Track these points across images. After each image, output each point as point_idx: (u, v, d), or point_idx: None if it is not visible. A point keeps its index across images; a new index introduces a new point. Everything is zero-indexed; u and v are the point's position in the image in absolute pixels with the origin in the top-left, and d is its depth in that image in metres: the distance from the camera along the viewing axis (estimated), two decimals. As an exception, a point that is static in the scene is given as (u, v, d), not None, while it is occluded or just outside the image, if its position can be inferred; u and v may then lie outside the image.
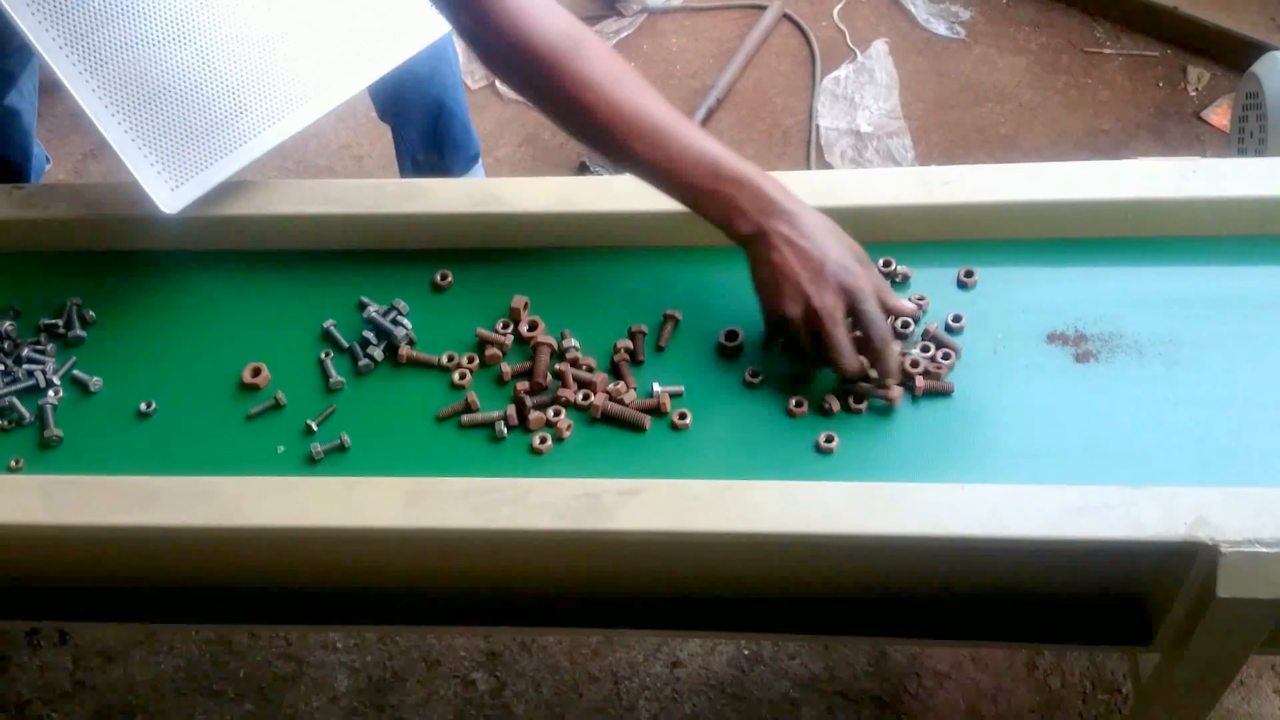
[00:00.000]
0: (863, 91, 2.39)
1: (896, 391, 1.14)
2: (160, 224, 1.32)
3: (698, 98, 2.44)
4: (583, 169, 2.34)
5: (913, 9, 2.56)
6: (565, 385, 1.19)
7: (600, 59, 1.14)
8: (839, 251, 1.12)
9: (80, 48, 1.25)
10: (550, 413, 1.17)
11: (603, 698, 1.68)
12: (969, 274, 1.23)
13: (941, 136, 2.33)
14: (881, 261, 1.23)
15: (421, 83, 1.94)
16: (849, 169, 2.27)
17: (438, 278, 1.30)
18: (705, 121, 2.38)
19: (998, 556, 1.11)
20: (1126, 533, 1.00)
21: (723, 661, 1.68)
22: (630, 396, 1.18)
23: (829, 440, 1.12)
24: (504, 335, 1.24)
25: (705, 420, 1.16)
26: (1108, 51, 2.46)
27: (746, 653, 1.68)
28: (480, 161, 2.13)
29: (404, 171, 2.09)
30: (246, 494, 1.11)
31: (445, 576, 1.25)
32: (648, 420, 1.16)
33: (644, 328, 1.23)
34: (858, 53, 2.48)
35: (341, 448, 1.18)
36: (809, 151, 2.33)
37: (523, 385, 1.19)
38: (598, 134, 1.15)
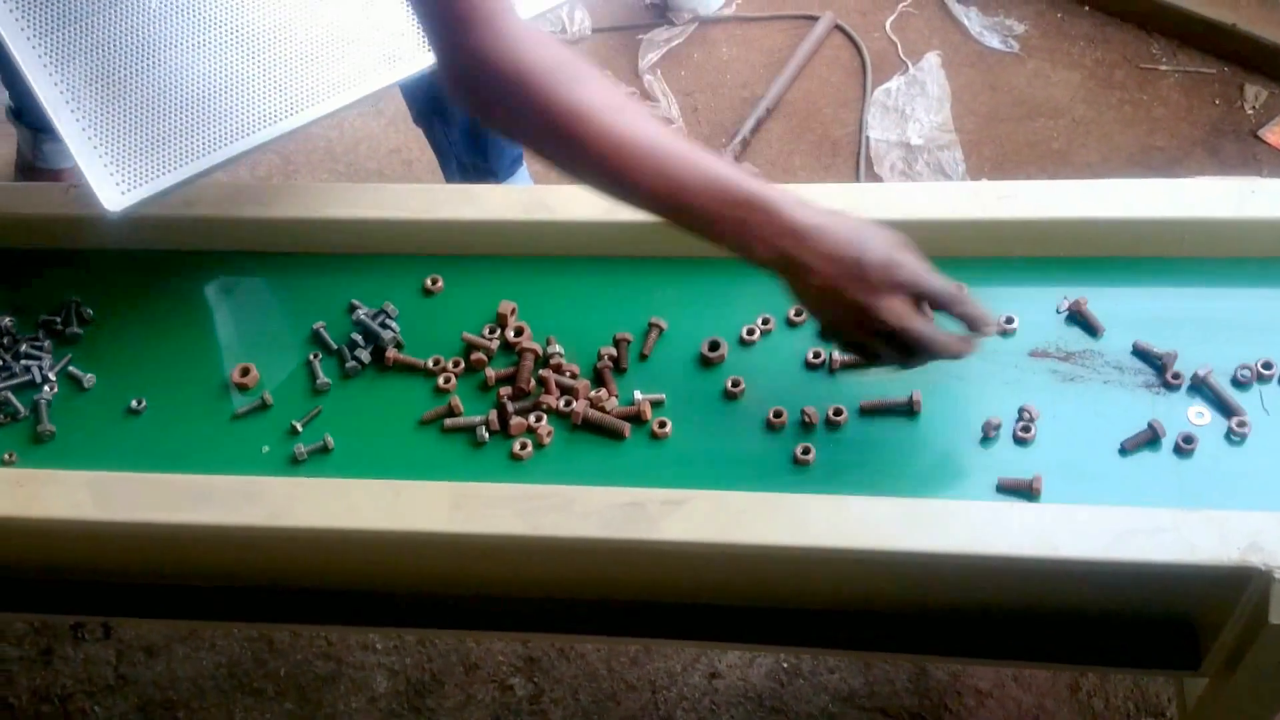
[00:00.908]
0: (914, 104, 2.38)
1: (991, 328, 1.10)
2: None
3: (748, 108, 2.43)
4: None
5: (966, 21, 2.54)
6: (548, 391, 1.20)
7: (598, 87, 1.06)
8: (876, 248, 1.04)
9: (49, 41, 1.26)
10: (532, 418, 1.18)
11: (640, 707, 1.67)
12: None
13: (993, 151, 2.32)
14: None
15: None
16: (899, 181, 2.26)
17: (428, 282, 1.32)
18: (755, 132, 2.37)
19: (1044, 576, 1.09)
20: (1178, 556, 0.99)
21: (761, 674, 1.67)
22: (612, 404, 1.18)
23: (805, 452, 1.12)
24: (490, 340, 1.25)
25: (685, 429, 1.17)
26: (1163, 68, 2.43)
27: (785, 665, 1.67)
28: (524, 166, 2.14)
29: (450, 177, 2.10)
30: (295, 495, 1.12)
31: (486, 582, 1.25)
32: (628, 428, 1.16)
33: (629, 335, 1.23)
34: (909, 65, 2.47)
35: (325, 449, 1.19)
36: (858, 163, 2.32)
37: (506, 390, 1.20)
38: (598, 166, 1.06)
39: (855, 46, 2.53)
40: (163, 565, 1.29)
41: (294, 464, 1.18)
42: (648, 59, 2.57)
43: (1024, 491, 1.08)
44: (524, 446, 1.16)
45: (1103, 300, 1.21)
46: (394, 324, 1.28)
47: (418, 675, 1.74)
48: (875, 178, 2.29)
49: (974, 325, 1.09)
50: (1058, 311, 1.21)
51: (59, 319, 1.33)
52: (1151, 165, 2.25)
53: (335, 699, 1.73)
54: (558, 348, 1.23)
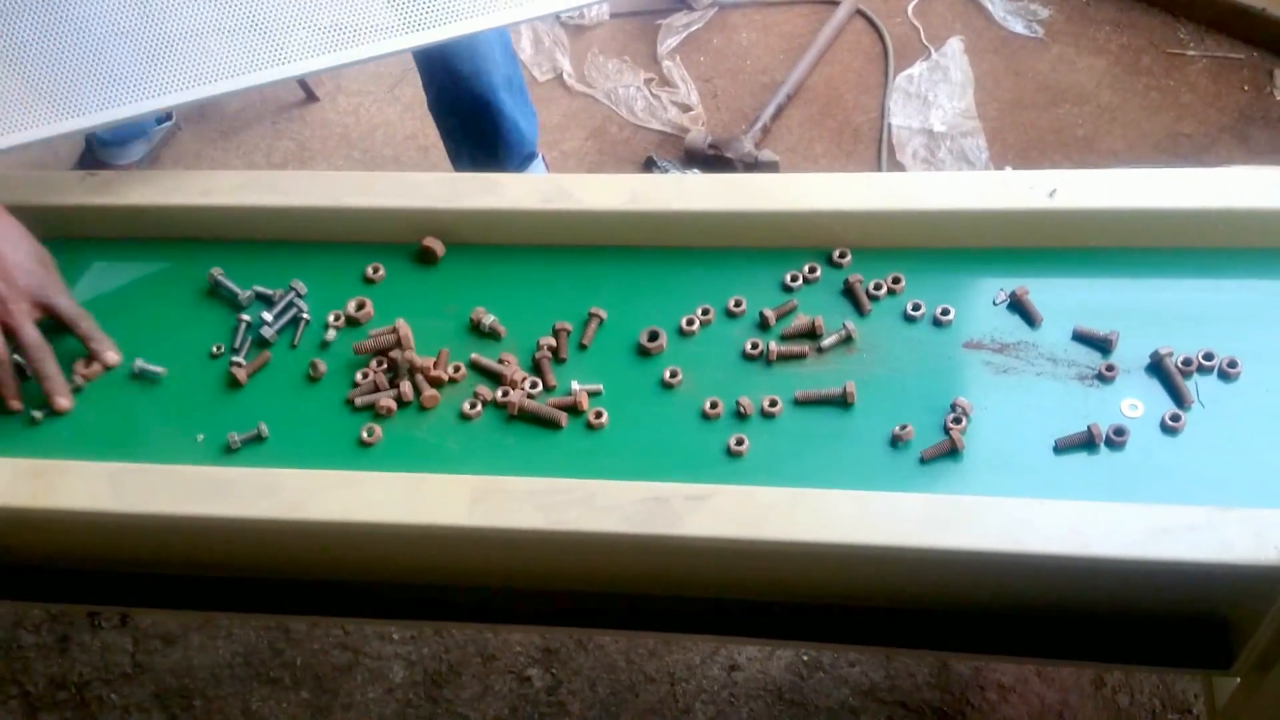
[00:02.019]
0: (936, 90, 2.35)
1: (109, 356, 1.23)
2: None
3: (768, 93, 2.41)
4: (649, 165, 2.33)
5: (989, 6, 2.51)
6: (486, 376, 1.20)
7: None
8: (19, 257, 1.19)
9: None
10: (466, 405, 1.17)
11: (659, 699, 1.66)
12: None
13: (1017, 138, 2.29)
14: (891, 278, 1.21)
15: (464, 81, 1.93)
16: (921, 169, 2.23)
17: (370, 270, 1.30)
18: (775, 118, 2.35)
19: (1075, 574, 1.08)
20: (1214, 555, 0.96)
21: (781, 667, 1.66)
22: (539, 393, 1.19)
23: (739, 443, 1.11)
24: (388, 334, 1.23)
25: (621, 420, 1.16)
26: (1191, 53, 2.39)
27: (806, 659, 1.66)
28: (539, 159, 2.12)
29: (459, 168, 2.09)
30: (312, 488, 1.10)
31: (504, 574, 1.24)
32: (564, 418, 1.15)
33: (568, 325, 1.22)
34: (932, 50, 2.44)
35: (259, 437, 1.18)
36: (880, 150, 2.30)
37: (434, 373, 1.20)
38: None
39: (877, 32, 2.51)
40: (179, 556, 1.28)
41: (228, 453, 1.17)
42: (667, 44, 2.55)
43: (949, 453, 1.08)
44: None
45: (1044, 291, 1.19)
46: (301, 302, 1.27)
47: (435, 666, 1.73)
48: (897, 165, 2.26)
49: (88, 345, 1.23)
50: (994, 304, 1.19)
51: None
52: (1179, 152, 2.22)
53: (352, 689, 1.72)
54: (491, 318, 1.23)
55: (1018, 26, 2.47)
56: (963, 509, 1.01)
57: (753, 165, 2.24)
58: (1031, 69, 2.41)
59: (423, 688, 1.71)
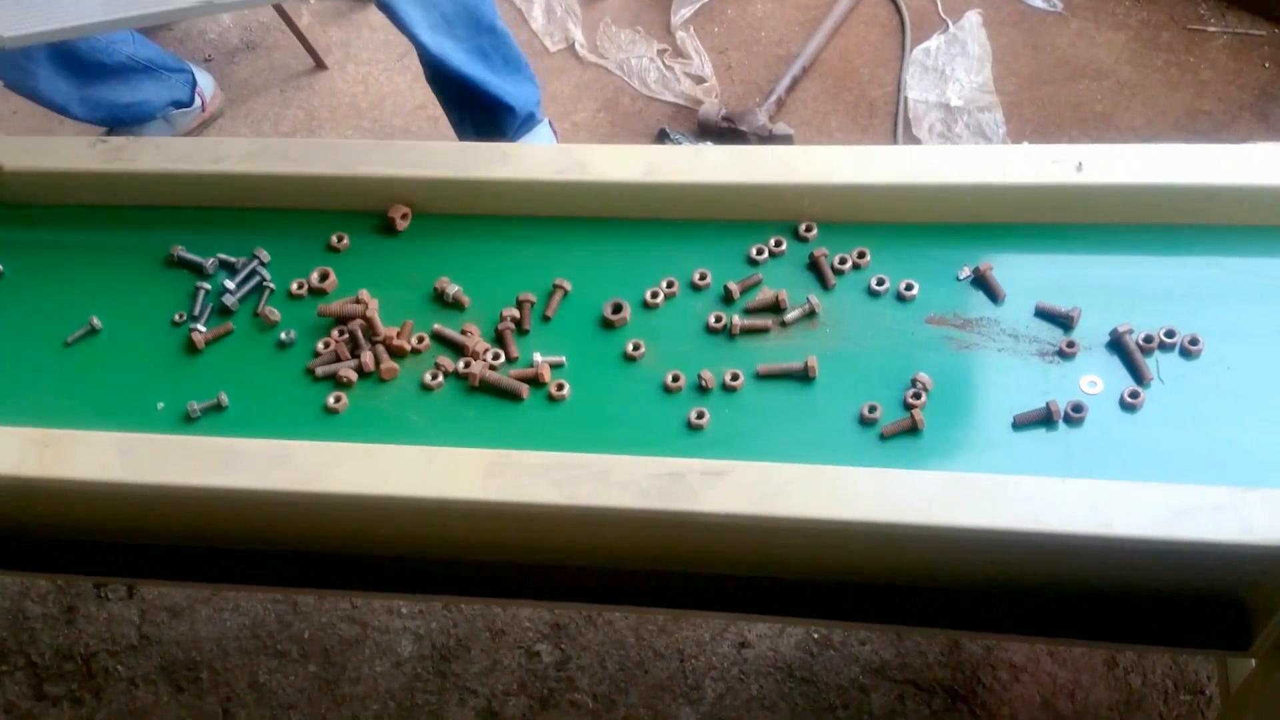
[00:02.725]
0: (954, 64, 2.32)
1: None
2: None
3: (782, 66, 2.38)
4: (662, 136, 2.30)
5: (1007, -21, 2.48)
6: (449, 346, 1.20)
7: None
8: None
9: None
10: (428, 376, 1.17)
11: (668, 675, 1.65)
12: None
13: (1034, 113, 2.26)
14: (856, 252, 1.21)
15: (435, 56, 1.96)
16: (937, 144, 2.20)
17: (333, 239, 1.30)
18: (790, 91, 2.32)
19: (1094, 553, 1.06)
20: (1236, 535, 0.95)
21: (791, 644, 1.65)
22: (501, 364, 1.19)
23: (700, 416, 1.11)
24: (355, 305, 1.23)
25: (583, 392, 1.16)
26: (1212, 29, 2.36)
27: (816, 636, 1.65)
28: (542, 124, 2.15)
29: (462, 138, 2.12)
30: (325, 460, 1.09)
31: (514, 549, 1.23)
32: (526, 390, 1.15)
33: (532, 296, 1.22)
34: (950, 23, 2.41)
35: (219, 406, 1.18)
36: (896, 124, 2.27)
37: (396, 343, 1.20)
38: None
39: (894, 4, 2.47)
40: (186, 527, 1.27)
41: (188, 421, 1.17)
42: (680, 15, 2.52)
43: (908, 430, 1.08)
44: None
45: (1008, 268, 1.19)
46: (264, 270, 1.27)
47: (443, 640, 1.72)
48: (913, 139, 2.24)
49: None
50: (958, 279, 1.19)
51: None
52: (1198, 130, 2.19)
53: (360, 662, 1.72)
54: (455, 288, 1.23)
55: (1037, 0, 2.44)
56: (981, 487, 0.99)
57: (767, 138, 2.22)
58: (1050, 43, 2.38)
59: (431, 662, 1.71)
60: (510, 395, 1.16)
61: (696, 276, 1.21)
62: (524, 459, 1.07)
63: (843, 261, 1.20)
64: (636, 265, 1.23)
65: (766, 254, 1.22)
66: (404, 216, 1.30)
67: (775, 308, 1.18)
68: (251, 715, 1.69)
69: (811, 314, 1.17)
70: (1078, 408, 1.06)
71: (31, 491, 1.17)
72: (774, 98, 2.30)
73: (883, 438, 1.08)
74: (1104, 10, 2.41)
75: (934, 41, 2.38)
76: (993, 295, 1.16)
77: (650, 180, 1.25)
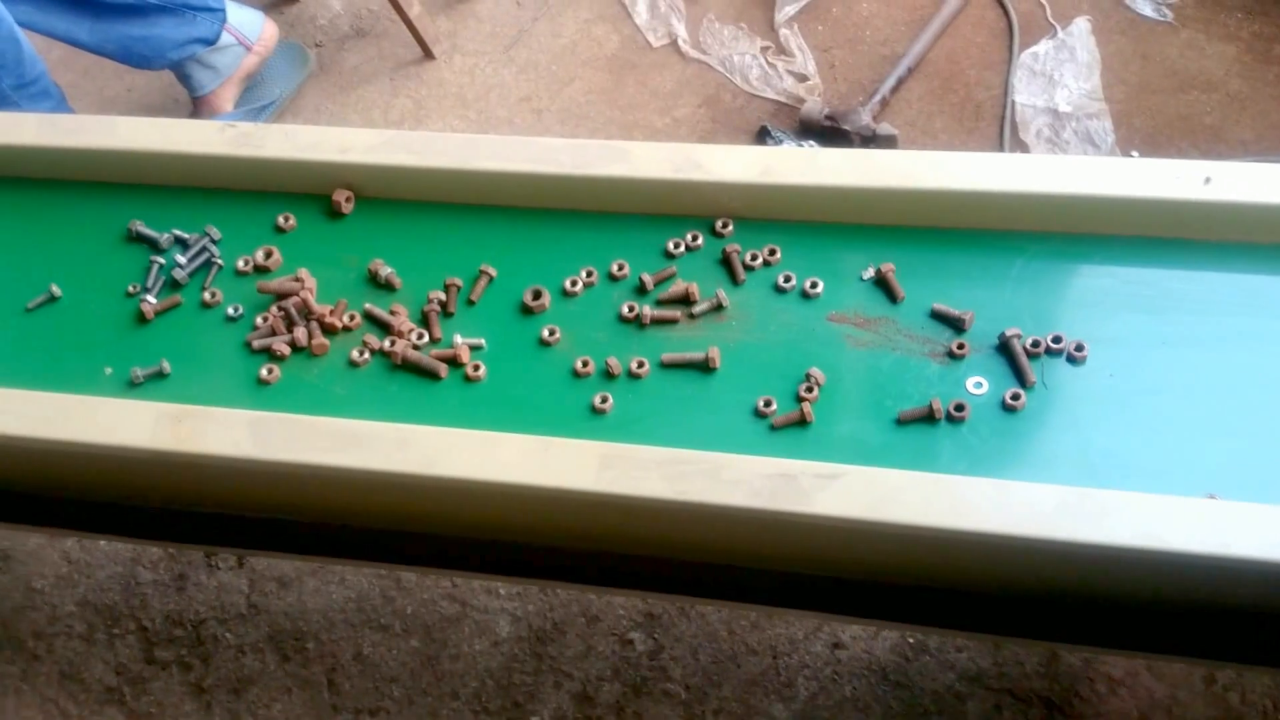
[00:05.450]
0: (1062, 69, 2.30)
1: None
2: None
3: (887, 66, 2.38)
4: (763, 134, 2.31)
5: (1119, -15, 2.44)
6: (377, 325, 1.26)
7: None
8: None
9: None
10: (355, 353, 1.24)
11: (760, 671, 1.67)
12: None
13: (1144, 122, 2.23)
14: (767, 250, 1.25)
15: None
16: (1045, 149, 2.19)
17: (280, 219, 1.36)
18: (894, 91, 2.32)
19: (1204, 570, 1.06)
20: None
21: (886, 647, 1.66)
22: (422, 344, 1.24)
23: (604, 400, 1.16)
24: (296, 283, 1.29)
25: (498, 374, 1.21)
26: (1330, 41, 2.31)
27: (911, 641, 1.66)
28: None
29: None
30: (445, 445, 1.12)
31: (613, 539, 1.26)
32: (444, 369, 1.21)
33: (459, 281, 1.27)
34: (1058, 29, 2.39)
35: (161, 374, 1.24)
36: (1002, 128, 2.26)
37: (329, 320, 1.26)
38: None
39: (1002, 7, 2.46)
40: (297, 503, 1.31)
41: (132, 386, 1.24)
42: (784, 12, 2.52)
43: (797, 422, 1.13)
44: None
45: (906, 270, 1.22)
46: (213, 247, 1.34)
47: (540, 623, 1.76)
48: (1020, 143, 2.22)
49: None
50: (860, 279, 1.22)
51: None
52: (1313, 145, 2.15)
53: (459, 640, 1.76)
54: (388, 269, 1.29)
55: (1146, 9, 2.40)
56: (1098, 502, 0.99)
57: (870, 138, 2.22)
58: (1159, 53, 2.34)
59: (528, 644, 1.74)
60: (429, 374, 1.22)
61: (615, 267, 1.27)
62: (638, 453, 1.09)
63: (754, 258, 1.25)
64: (559, 255, 1.29)
65: (684, 248, 1.27)
66: (348, 200, 1.36)
67: (685, 300, 1.23)
68: (355, 686, 1.74)
69: (719, 307, 1.22)
70: (960, 407, 1.10)
71: (158, 463, 1.22)
72: (878, 97, 2.30)
73: (773, 429, 1.13)
74: (1215, 21, 2.37)
75: (1042, 46, 2.36)
76: (892, 296, 1.21)
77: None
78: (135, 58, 2.35)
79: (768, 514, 1.05)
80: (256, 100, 2.53)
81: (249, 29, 2.46)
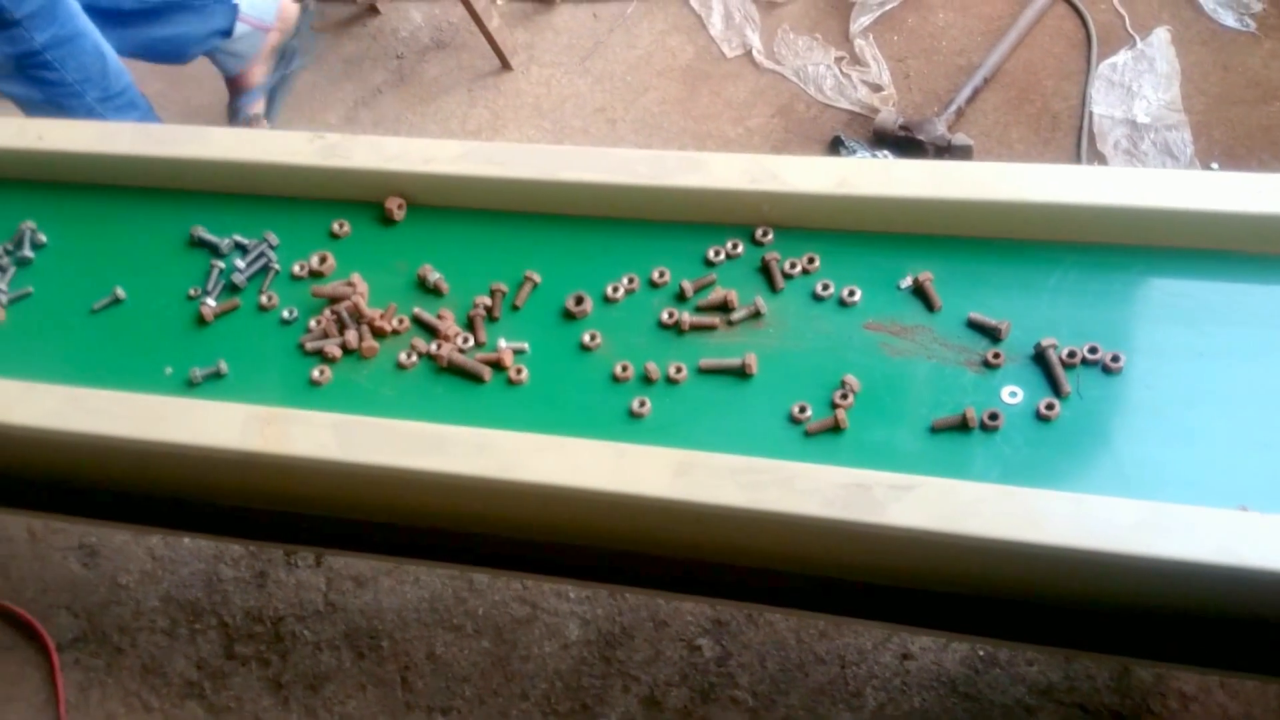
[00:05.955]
0: (1141, 80, 2.28)
1: None
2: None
3: (963, 76, 2.37)
4: (836, 144, 2.32)
5: (1200, -4, 2.41)
6: (425, 329, 1.29)
7: None
8: None
9: None
10: (403, 355, 1.27)
11: (829, 680, 1.68)
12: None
13: (1224, 134, 2.20)
14: (806, 258, 1.26)
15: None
16: (1123, 160, 2.17)
17: (336, 226, 1.40)
18: (970, 101, 2.31)
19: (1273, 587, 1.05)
20: None
21: (955, 659, 1.66)
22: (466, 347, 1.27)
23: (641, 405, 1.18)
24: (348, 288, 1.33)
25: (540, 377, 1.24)
26: None
27: (981, 653, 1.65)
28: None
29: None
30: (523, 449, 1.15)
31: (682, 546, 1.27)
32: (488, 372, 1.24)
33: (504, 286, 1.30)
34: (1137, 39, 2.36)
35: (219, 374, 1.29)
36: (1080, 139, 2.24)
37: (379, 324, 1.29)
38: None
39: (1080, 17, 2.44)
40: (373, 504, 1.35)
41: (191, 385, 1.29)
42: (859, 22, 2.52)
43: (831, 429, 1.14)
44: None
45: (944, 279, 1.23)
46: (271, 253, 1.39)
47: (608, 627, 1.78)
48: (1097, 154, 2.20)
49: None
50: (898, 288, 1.23)
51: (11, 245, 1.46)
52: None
53: (530, 642, 1.78)
54: (436, 275, 1.33)
55: (1228, 19, 2.37)
56: (1177, 517, 0.99)
57: (945, 149, 2.22)
58: (1241, 64, 2.31)
59: (596, 647, 1.77)
60: (474, 377, 1.25)
61: (656, 274, 1.29)
62: (712, 460, 1.11)
63: (793, 266, 1.26)
64: (602, 262, 1.32)
65: (724, 256, 1.29)
66: (400, 207, 1.40)
67: (724, 307, 1.25)
68: (428, 685, 1.78)
69: (757, 315, 1.24)
70: (994, 416, 1.11)
71: (244, 464, 1.26)
72: (954, 107, 2.29)
73: (807, 435, 1.14)
74: (1302, 29, 2.34)
75: (1121, 57, 2.34)
76: (929, 305, 1.21)
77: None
78: (162, 57, 2.45)
79: (842, 524, 1.06)
80: (281, 68, 2.61)
81: (264, 12, 2.52)
